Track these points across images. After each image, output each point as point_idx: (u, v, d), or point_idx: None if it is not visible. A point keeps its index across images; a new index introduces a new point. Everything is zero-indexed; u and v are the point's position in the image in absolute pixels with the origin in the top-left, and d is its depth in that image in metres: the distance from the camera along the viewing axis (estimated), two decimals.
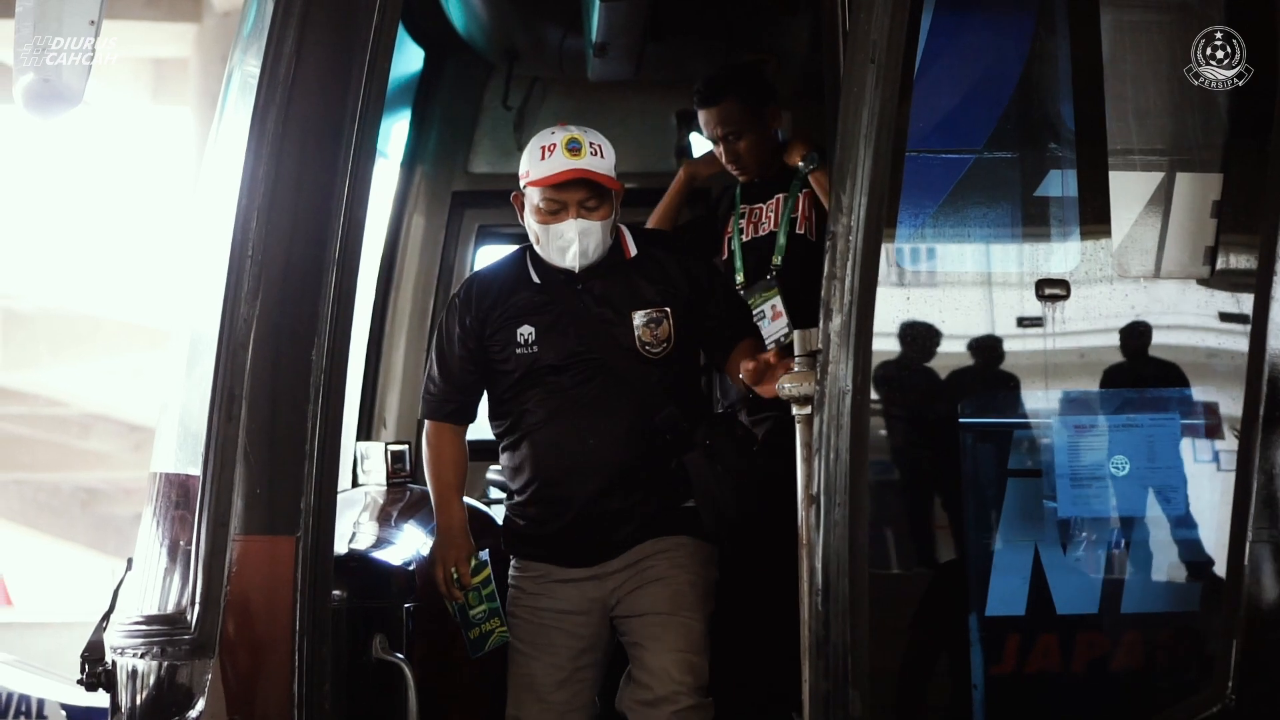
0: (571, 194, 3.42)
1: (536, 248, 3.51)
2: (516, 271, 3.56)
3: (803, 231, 4.16)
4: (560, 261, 3.47)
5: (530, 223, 3.49)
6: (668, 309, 3.50)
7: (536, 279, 3.52)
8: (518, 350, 3.47)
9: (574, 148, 3.42)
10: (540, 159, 3.43)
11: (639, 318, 3.48)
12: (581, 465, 3.43)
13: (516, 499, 3.55)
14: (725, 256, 4.26)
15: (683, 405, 3.49)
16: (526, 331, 3.48)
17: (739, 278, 4.19)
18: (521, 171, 3.47)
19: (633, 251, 3.56)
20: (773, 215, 4.20)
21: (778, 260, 4.12)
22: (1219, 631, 2.97)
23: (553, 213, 3.44)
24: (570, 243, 3.44)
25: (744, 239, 4.24)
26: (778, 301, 4.09)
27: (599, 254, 3.46)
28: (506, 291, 3.53)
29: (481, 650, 3.42)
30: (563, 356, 3.46)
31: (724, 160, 4.21)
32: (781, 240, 4.13)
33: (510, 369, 3.49)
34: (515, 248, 3.66)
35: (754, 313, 4.00)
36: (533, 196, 3.46)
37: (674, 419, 3.46)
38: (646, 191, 5.70)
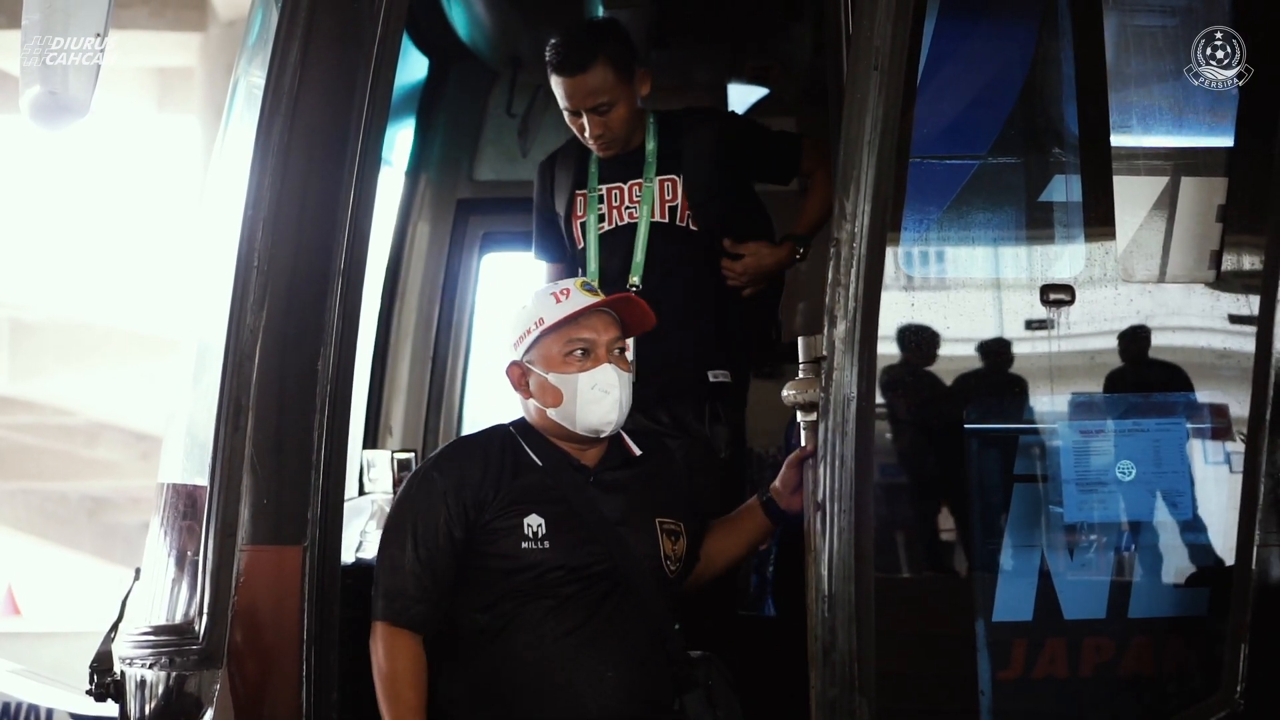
0: (603, 333, 3.02)
1: (551, 414, 3.01)
2: (507, 451, 3.03)
3: (667, 220, 3.67)
4: (589, 422, 2.99)
5: (543, 386, 3.01)
6: (682, 524, 3.09)
7: (538, 460, 3.02)
8: (524, 545, 2.91)
9: (590, 288, 3.07)
10: (555, 303, 3.01)
11: (658, 526, 3.04)
12: (589, 699, 2.86)
13: None
14: (580, 247, 3.76)
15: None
16: (535, 523, 2.93)
17: (594, 281, 3.61)
18: (522, 330, 3.04)
19: (637, 451, 3.12)
20: (637, 203, 3.70)
21: (635, 280, 3.64)
22: (1227, 636, 2.97)
23: (582, 356, 3.03)
24: (611, 387, 2.98)
25: (601, 228, 3.72)
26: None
27: (623, 420, 3.05)
28: (504, 471, 2.99)
29: None
30: (578, 561, 2.91)
31: (587, 134, 3.65)
32: (639, 256, 3.64)
33: (508, 567, 2.90)
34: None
35: None
36: (550, 349, 3.01)
37: (682, 650, 3.00)
38: None
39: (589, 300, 3.03)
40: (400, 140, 5.21)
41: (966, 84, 3.20)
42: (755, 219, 3.87)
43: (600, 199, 3.71)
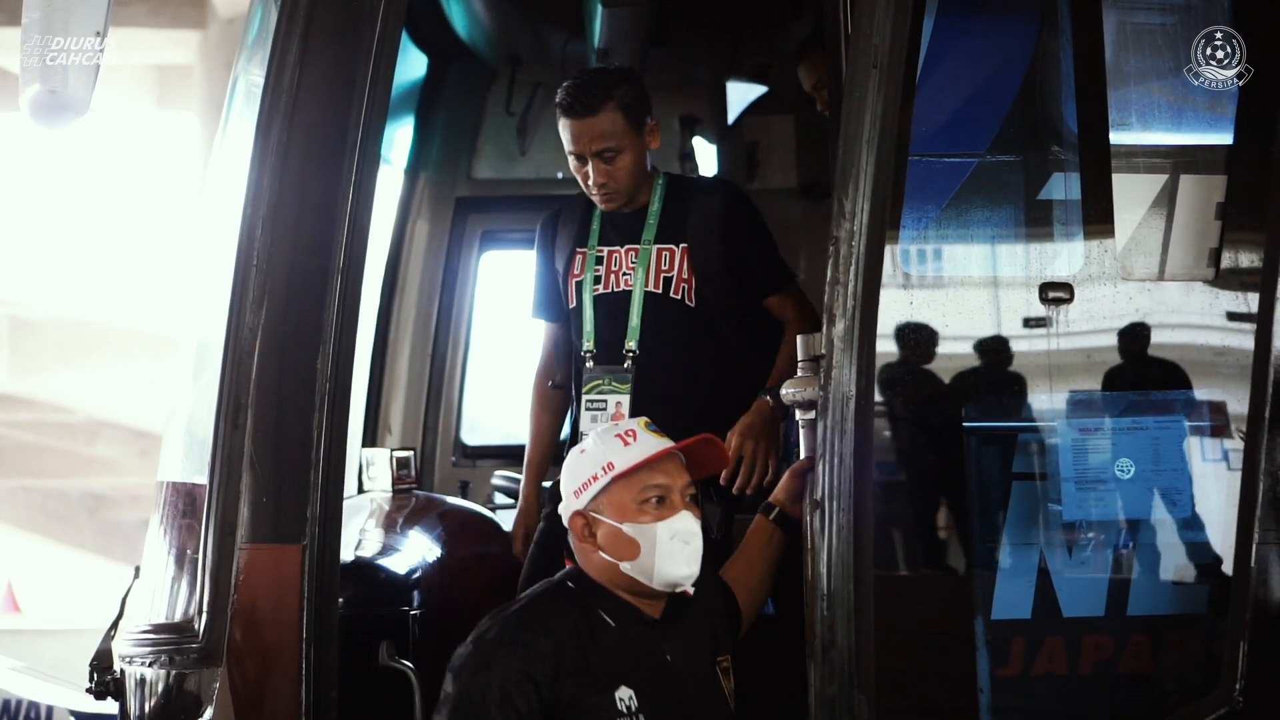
0: (676, 478, 2.79)
1: (626, 569, 2.76)
2: (577, 613, 2.74)
3: (660, 290, 3.48)
4: (670, 575, 2.76)
5: (615, 538, 2.75)
6: (729, 654, 2.90)
7: (610, 621, 2.77)
8: None
9: (654, 428, 2.87)
10: (623, 446, 2.78)
11: (717, 669, 2.88)
12: None
13: None
14: (574, 305, 3.60)
15: None
16: (626, 695, 2.69)
17: (587, 343, 3.53)
18: (586, 476, 2.81)
19: (690, 590, 2.88)
20: (634, 269, 3.53)
21: (632, 345, 3.50)
22: (1226, 634, 2.97)
23: (658, 504, 2.77)
24: (692, 536, 2.76)
25: (597, 290, 3.56)
26: (625, 402, 3.48)
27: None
28: (580, 638, 2.70)
29: None
30: None
31: (590, 182, 3.49)
32: (634, 321, 3.49)
33: None
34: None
35: (589, 399, 3.47)
36: (621, 496, 2.77)
37: None
38: None
39: (661, 443, 2.80)
40: (399, 138, 5.21)
41: (965, 82, 3.20)
42: (755, 303, 3.60)
43: (599, 260, 3.56)
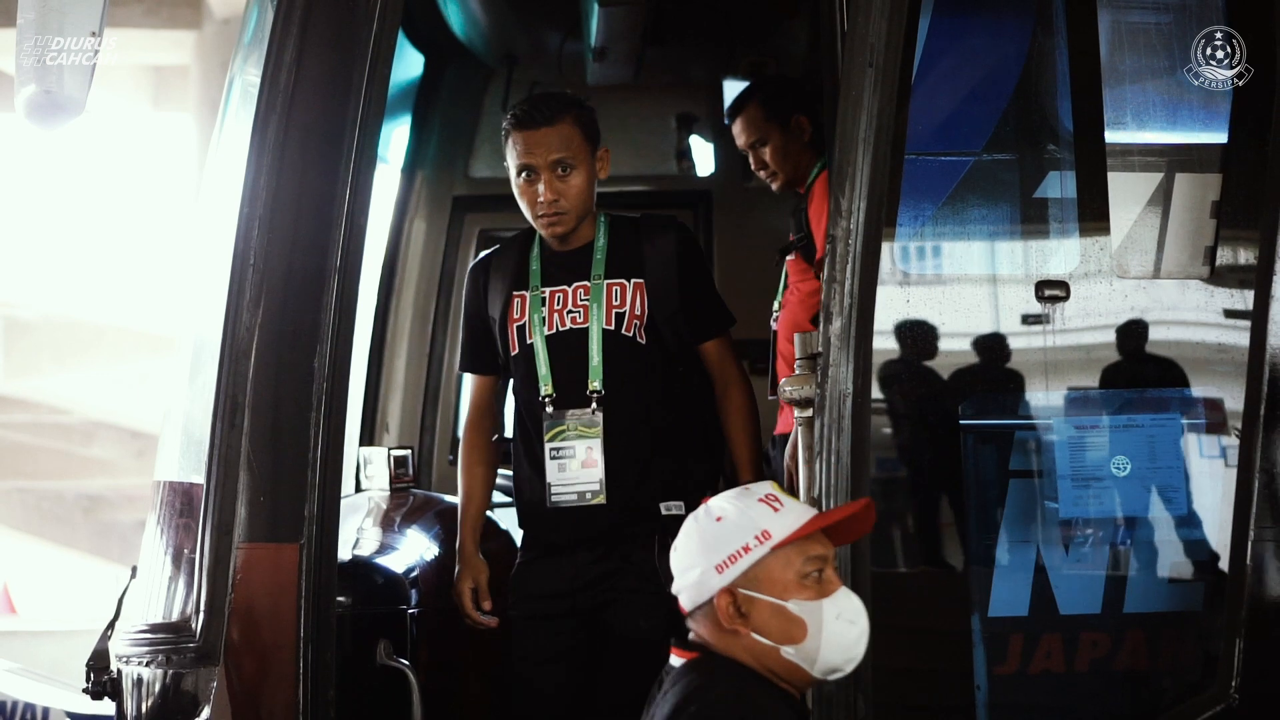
0: (829, 548, 2.48)
1: (789, 653, 2.41)
2: (767, 710, 2.42)
3: (613, 327, 3.34)
4: (833, 660, 2.43)
5: (777, 617, 2.40)
6: None
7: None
8: None
9: (787, 491, 2.65)
10: (774, 513, 2.44)
11: None
12: None
13: None
14: (515, 352, 3.41)
15: None
16: None
17: (544, 388, 3.34)
18: (735, 547, 2.42)
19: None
20: (581, 307, 3.36)
21: (596, 384, 3.32)
22: (1222, 631, 2.97)
23: (818, 579, 2.43)
24: (858, 615, 2.44)
25: (548, 331, 3.38)
26: (596, 446, 3.31)
27: None
28: None
29: None
30: None
31: (540, 199, 3.33)
32: (595, 360, 3.34)
33: None
34: None
35: (554, 446, 3.31)
36: (776, 570, 2.41)
37: None
38: (644, 194, 5.73)
39: (808, 510, 2.45)
40: (396, 138, 5.21)
41: (961, 80, 3.20)
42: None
43: (543, 301, 3.38)
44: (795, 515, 2.43)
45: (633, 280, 3.37)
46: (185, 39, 12.55)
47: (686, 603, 2.47)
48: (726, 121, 4.26)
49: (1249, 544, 2.96)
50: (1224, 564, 3.01)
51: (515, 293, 3.42)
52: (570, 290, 3.39)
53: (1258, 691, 2.94)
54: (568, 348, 3.36)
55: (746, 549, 2.41)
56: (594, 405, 3.31)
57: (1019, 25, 3.20)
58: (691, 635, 2.48)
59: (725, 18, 5.09)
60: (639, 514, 3.32)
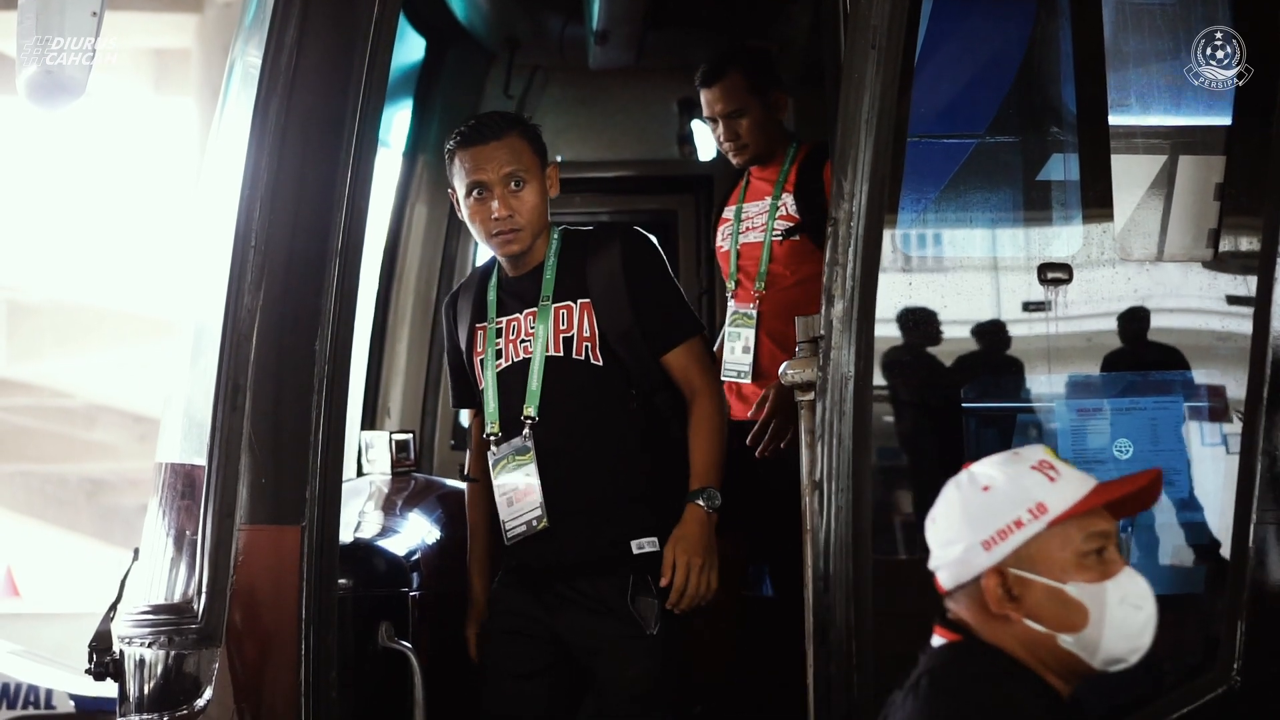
0: (1112, 524, 2.25)
1: (1067, 642, 2.18)
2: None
3: (561, 353, 3.24)
4: (1117, 650, 2.22)
5: (1054, 601, 2.17)
6: None
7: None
8: None
9: (1065, 458, 2.33)
10: (1049, 482, 2.20)
11: None
12: None
13: None
14: (481, 386, 3.34)
15: None
16: None
17: (490, 426, 3.29)
18: (1006, 520, 2.19)
19: None
20: (533, 335, 3.28)
21: (530, 411, 3.24)
22: (1224, 614, 2.97)
23: (1098, 557, 2.20)
24: (1145, 599, 2.22)
25: (499, 365, 3.31)
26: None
27: None
28: None
29: None
30: None
31: (492, 218, 3.23)
32: (533, 385, 3.24)
33: None
34: None
35: (499, 483, 3.25)
36: (1052, 548, 2.18)
37: None
38: (646, 179, 5.72)
39: (1088, 480, 2.19)
40: (398, 122, 5.20)
41: (964, 63, 3.19)
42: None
43: (498, 332, 3.31)
44: (1075, 486, 2.16)
45: (579, 301, 3.26)
46: (187, 22, 12.54)
47: (946, 581, 2.24)
48: (699, 85, 4.02)
49: (1251, 527, 2.95)
50: (1226, 547, 3.01)
51: (477, 325, 3.36)
52: (522, 318, 3.30)
53: (1259, 674, 2.94)
54: (514, 381, 3.28)
55: (1019, 524, 2.15)
56: (525, 431, 3.22)
57: (1022, 7, 3.19)
58: (949, 614, 2.26)
59: (727, 1, 5.07)
60: (612, 555, 3.19)
